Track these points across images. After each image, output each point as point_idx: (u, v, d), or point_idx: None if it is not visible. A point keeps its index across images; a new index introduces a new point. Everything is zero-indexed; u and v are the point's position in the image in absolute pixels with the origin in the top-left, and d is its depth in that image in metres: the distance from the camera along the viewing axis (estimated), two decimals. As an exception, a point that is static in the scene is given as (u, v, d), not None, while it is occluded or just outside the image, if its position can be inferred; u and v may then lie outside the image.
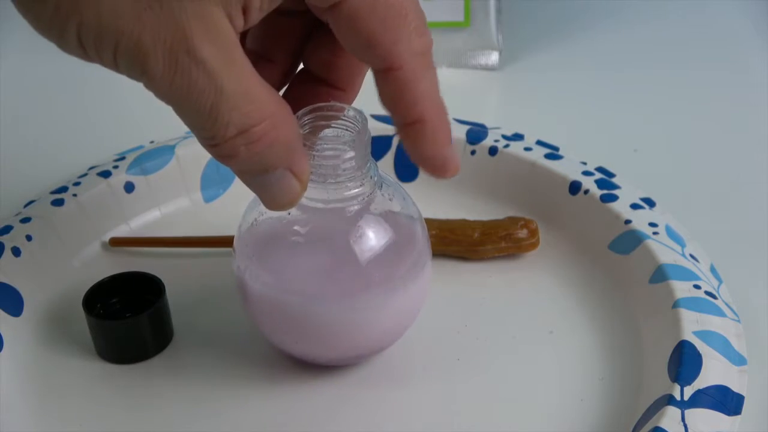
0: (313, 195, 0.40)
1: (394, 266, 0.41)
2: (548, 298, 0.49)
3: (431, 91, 0.36)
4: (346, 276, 0.41)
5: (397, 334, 0.44)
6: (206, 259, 0.51)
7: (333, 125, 0.40)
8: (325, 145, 0.39)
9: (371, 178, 0.40)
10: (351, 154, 0.39)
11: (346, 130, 0.40)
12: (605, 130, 0.63)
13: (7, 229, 0.49)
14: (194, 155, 0.55)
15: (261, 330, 0.44)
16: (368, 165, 0.40)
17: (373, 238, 0.41)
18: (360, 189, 0.40)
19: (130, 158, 0.54)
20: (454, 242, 0.50)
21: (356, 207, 0.40)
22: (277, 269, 0.41)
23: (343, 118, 0.40)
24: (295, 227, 0.41)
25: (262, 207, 0.42)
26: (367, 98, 0.65)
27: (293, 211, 0.41)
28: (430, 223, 0.50)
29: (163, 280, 0.46)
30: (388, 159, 0.56)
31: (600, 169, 0.53)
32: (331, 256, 0.41)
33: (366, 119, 0.40)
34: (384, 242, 0.41)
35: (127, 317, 0.45)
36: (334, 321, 0.41)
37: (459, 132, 0.56)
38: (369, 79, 0.68)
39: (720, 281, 0.47)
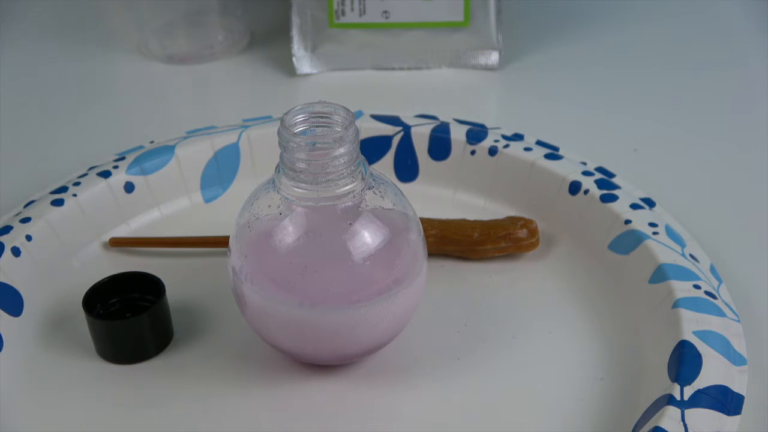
0: (304, 194, 0.40)
1: (388, 263, 0.41)
2: (548, 298, 0.49)
3: None
4: (340, 274, 0.41)
5: (394, 332, 0.44)
6: (206, 259, 0.51)
7: (321, 123, 0.40)
8: (315, 143, 0.39)
9: (362, 175, 0.41)
10: (340, 150, 0.39)
11: (335, 127, 0.40)
12: (605, 130, 0.63)
13: (7, 229, 0.49)
14: (194, 155, 0.55)
15: (256, 330, 0.44)
16: (358, 162, 0.40)
17: (366, 235, 0.41)
18: (351, 186, 0.40)
19: (130, 158, 0.54)
20: (454, 242, 0.50)
21: (348, 204, 0.40)
22: (271, 269, 0.41)
23: (331, 115, 0.40)
24: (288, 227, 0.41)
25: (256, 207, 0.42)
26: (367, 98, 0.65)
27: (285, 210, 0.41)
28: (430, 223, 0.50)
29: (163, 280, 0.46)
30: (388, 159, 0.56)
31: (600, 169, 0.53)
32: (323, 255, 0.41)
33: (353, 116, 0.40)
34: (378, 239, 0.41)
35: (127, 317, 0.45)
36: (329, 320, 0.41)
37: (459, 132, 0.56)
38: (368, 80, 0.69)
39: (720, 281, 0.47)
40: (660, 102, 0.66)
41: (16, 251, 0.48)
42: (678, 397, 0.40)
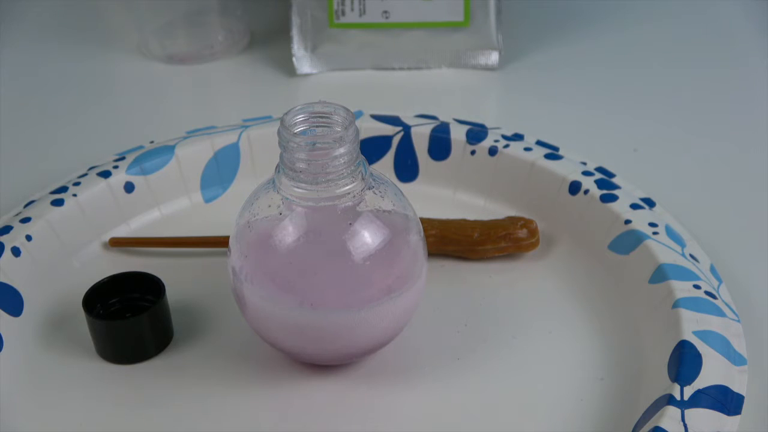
0: (304, 194, 0.40)
1: (388, 264, 0.41)
2: (548, 298, 0.49)
3: None
4: (340, 274, 0.41)
5: (394, 332, 0.44)
6: (206, 259, 0.51)
7: (321, 123, 0.40)
8: (315, 143, 0.39)
9: (362, 175, 0.41)
10: (340, 150, 0.39)
11: (335, 127, 0.40)
12: (605, 130, 0.63)
13: (7, 229, 0.49)
14: (194, 155, 0.55)
15: (256, 330, 0.44)
16: (358, 162, 0.40)
17: (366, 235, 0.41)
18: (351, 186, 0.40)
19: (130, 158, 0.54)
20: (454, 242, 0.50)
21: (348, 204, 0.40)
22: (271, 269, 0.41)
23: (331, 115, 0.40)
24: (288, 227, 0.41)
25: (256, 207, 0.42)
26: (367, 98, 0.65)
27: (285, 210, 0.41)
28: (430, 223, 0.50)
29: (163, 280, 0.46)
30: (388, 159, 0.56)
31: (600, 169, 0.53)
32: (324, 255, 0.41)
33: (353, 116, 0.40)
34: (378, 240, 0.41)
35: (127, 317, 0.45)
36: (329, 321, 0.41)
37: (459, 132, 0.56)
38: (368, 80, 0.69)
39: (720, 281, 0.47)
40: (660, 102, 0.66)
41: (16, 251, 0.48)
42: (678, 397, 0.40)
